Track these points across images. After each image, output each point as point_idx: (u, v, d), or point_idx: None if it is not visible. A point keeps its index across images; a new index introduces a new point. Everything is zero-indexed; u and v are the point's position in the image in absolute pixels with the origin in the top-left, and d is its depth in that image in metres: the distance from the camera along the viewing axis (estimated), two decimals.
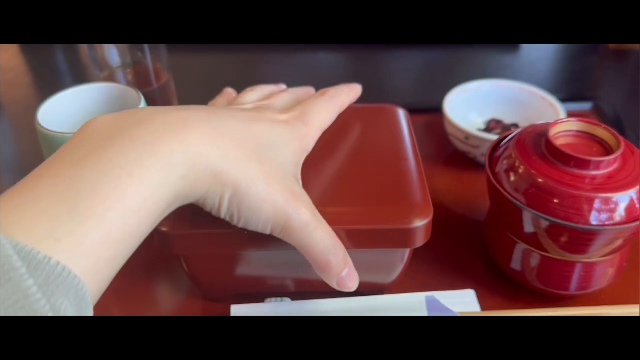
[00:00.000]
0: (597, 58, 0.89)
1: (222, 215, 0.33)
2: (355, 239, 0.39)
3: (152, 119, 0.29)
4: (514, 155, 0.46)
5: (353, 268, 0.37)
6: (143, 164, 0.27)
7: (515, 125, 0.67)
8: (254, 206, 0.32)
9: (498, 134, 0.65)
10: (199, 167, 0.29)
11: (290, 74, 0.85)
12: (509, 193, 0.45)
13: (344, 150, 0.45)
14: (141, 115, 0.30)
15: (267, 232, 0.34)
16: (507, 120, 0.68)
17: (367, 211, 0.39)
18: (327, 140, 0.43)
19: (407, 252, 0.44)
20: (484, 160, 0.62)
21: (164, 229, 0.39)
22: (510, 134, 0.50)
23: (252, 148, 0.33)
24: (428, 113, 0.73)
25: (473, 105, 0.68)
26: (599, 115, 0.73)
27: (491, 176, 0.47)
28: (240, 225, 0.34)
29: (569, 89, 0.82)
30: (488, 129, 0.67)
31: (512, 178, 0.46)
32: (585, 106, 0.75)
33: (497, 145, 0.50)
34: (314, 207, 0.35)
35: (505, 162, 0.47)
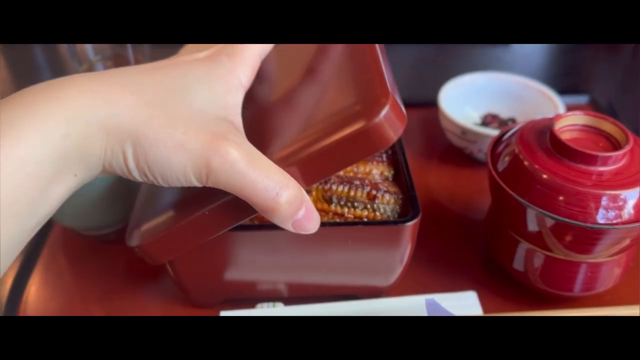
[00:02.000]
0: (590, 50, 0.88)
1: (135, 176, 0.29)
2: (319, 167, 0.33)
3: (41, 84, 0.28)
4: (516, 151, 0.44)
5: (312, 208, 0.33)
6: (17, 123, 0.25)
7: (512, 120, 0.65)
8: (162, 156, 0.28)
9: (495, 128, 0.63)
10: (82, 122, 0.27)
11: None
12: (512, 190, 0.43)
13: (292, 77, 0.37)
14: (42, 83, 0.28)
15: (194, 183, 0.30)
16: (504, 114, 0.65)
17: (322, 128, 0.32)
18: (275, 73, 0.37)
19: (406, 253, 0.42)
20: (481, 156, 0.61)
21: (134, 244, 0.36)
22: (511, 129, 0.48)
23: (154, 94, 0.29)
24: (420, 107, 0.70)
25: (468, 99, 0.65)
26: (596, 108, 0.72)
27: (493, 172, 0.44)
28: (160, 182, 0.30)
29: (563, 82, 0.80)
30: (484, 123, 0.65)
31: (515, 174, 0.44)
32: (582, 99, 0.74)
33: (498, 140, 0.48)
34: (247, 145, 0.30)
35: (507, 158, 0.45)
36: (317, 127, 0.32)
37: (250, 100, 0.35)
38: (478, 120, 0.65)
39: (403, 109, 0.32)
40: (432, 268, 0.49)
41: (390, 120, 0.31)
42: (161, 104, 0.29)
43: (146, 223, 0.36)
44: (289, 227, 0.32)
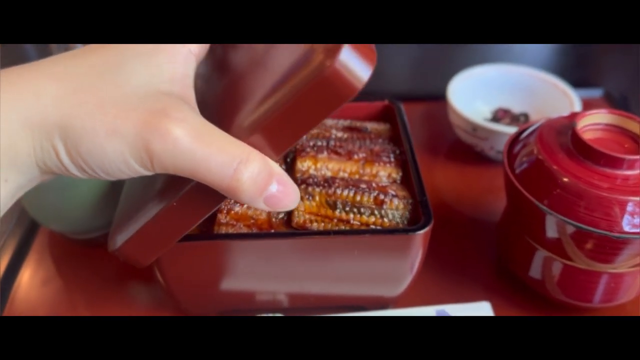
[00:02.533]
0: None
1: (74, 172, 0.27)
2: (285, 130, 0.28)
3: None
4: (535, 151, 0.41)
5: (287, 181, 0.29)
6: None
7: (525, 115, 0.61)
8: (96, 146, 0.25)
9: (507, 124, 0.60)
10: (3, 121, 0.24)
11: None
12: (530, 194, 0.40)
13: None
14: None
15: (140, 171, 0.27)
16: (516, 109, 0.62)
17: (281, 89, 0.27)
18: None
19: (417, 262, 0.39)
20: (493, 153, 0.57)
21: (113, 249, 0.33)
22: (530, 126, 0.45)
23: (84, 78, 0.26)
24: (426, 101, 0.67)
25: (478, 93, 0.62)
26: (611, 103, 0.68)
27: (511, 175, 0.41)
28: (102, 175, 0.27)
29: (574, 73, 0.77)
30: (495, 118, 0.61)
31: (534, 177, 0.40)
32: (595, 93, 0.70)
33: (515, 139, 0.45)
34: (194, 120, 0.26)
35: (525, 158, 0.42)
36: (276, 90, 0.28)
37: (221, 70, 0.31)
38: (488, 115, 0.62)
39: (368, 46, 0.28)
40: (442, 276, 0.46)
41: (352, 58, 0.26)
42: (91, 88, 0.26)
43: (124, 224, 0.33)
44: (260, 205, 0.28)
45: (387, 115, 0.50)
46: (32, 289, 0.47)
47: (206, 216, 0.31)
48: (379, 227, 0.38)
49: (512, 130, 0.53)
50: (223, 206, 0.39)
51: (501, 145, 0.56)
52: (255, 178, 0.27)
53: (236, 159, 0.26)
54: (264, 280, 0.39)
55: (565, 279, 0.42)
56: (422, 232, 0.37)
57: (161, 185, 0.31)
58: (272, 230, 0.38)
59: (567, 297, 0.43)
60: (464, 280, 0.46)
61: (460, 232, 0.51)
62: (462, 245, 0.50)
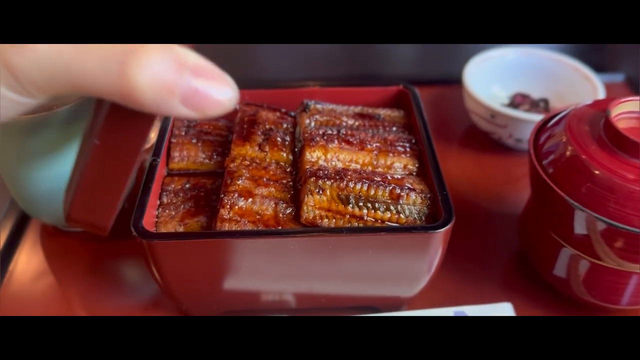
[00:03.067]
0: None
1: None
2: None
3: None
4: (564, 141, 0.38)
5: (211, 69, 0.22)
6: None
7: (545, 101, 0.58)
8: None
9: (526, 110, 0.57)
10: None
11: None
12: (558, 187, 0.37)
13: None
14: None
15: (16, 99, 0.22)
16: (535, 94, 0.59)
17: None
18: None
19: (435, 261, 0.36)
20: (512, 142, 0.54)
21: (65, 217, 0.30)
22: (556, 114, 0.42)
23: None
24: (437, 85, 0.64)
25: (495, 77, 0.59)
26: (633, 88, 0.65)
27: (538, 167, 0.38)
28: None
29: (594, 57, 0.73)
30: (513, 104, 0.58)
31: (563, 169, 0.37)
32: (616, 78, 0.67)
33: (541, 128, 0.41)
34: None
35: (553, 149, 0.39)
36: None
37: None
38: (506, 100, 0.59)
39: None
40: (460, 275, 0.43)
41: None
42: None
43: (68, 190, 0.29)
44: (179, 110, 0.21)
45: (400, 102, 0.46)
46: (23, 286, 0.44)
47: (141, 149, 0.26)
48: (395, 225, 0.35)
49: (534, 117, 0.50)
50: (226, 201, 0.36)
51: (520, 133, 0.52)
52: (155, 70, 0.20)
53: (120, 51, 0.20)
54: (270, 280, 0.36)
55: (592, 278, 0.39)
56: (442, 230, 0.34)
57: (85, 131, 0.27)
58: (279, 227, 0.35)
59: (593, 298, 0.40)
60: (483, 279, 0.43)
61: (477, 226, 0.48)
62: (480, 241, 0.47)
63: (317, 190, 0.36)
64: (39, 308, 0.42)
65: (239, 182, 0.37)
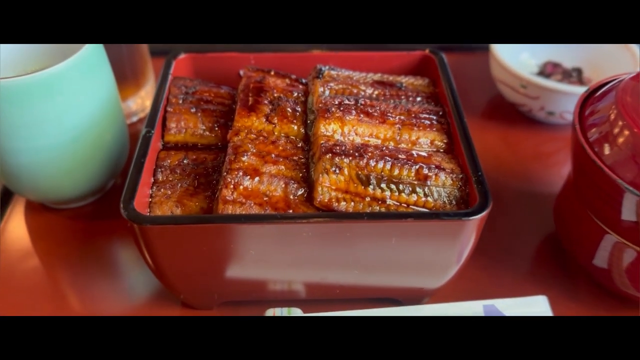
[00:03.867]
0: None
1: None
2: None
3: None
4: (614, 115, 0.33)
5: None
6: None
7: (578, 70, 0.53)
8: None
9: (558, 80, 0.52)
10: None
11: None
12: (607, 166, 0.32)
13: None
14: None
15: None
16: (567, 63, 0.54)
17: None
18: None
19: (467, 249, 0.32)
20: (543, 115, 0.49)
21: None
22: (603, 85, 0.37)
23: None
24: (460, 51, 0.59)
25: (524, 44, 0.53)
26: None
27: (584, 144, 0.34)
28: None
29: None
30: (543, 73, 0.53)
31: (612, 147, 0.33)
32: None
33: (586, 100, 0.37)
34: None
35: (601, 124, 0.34)
36: None
37: None
38: (535, 69, 0.54)
39: None
40: (487, 262, 0.39)
41: None
42: None
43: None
44: None
45: (424, 69, 0.42)
46: (5, 270, 0.40)
47: None
48: (423, 210, 0.31)
49: (571, 89, 0.45)
50: (229, 179, 0.31)
51: (553, 105, 0.48)
52: None
53: None
54: (279, 269, 0.32)
55: (636, 269, 0.35)
56: (478, 217, 0.29)
57: None
58: (290, 211, 0.31)
59: (636, 290, 0.36)
60: (513, 267, 0.39)
61: (504, 208, 0.43)
62: (508, 225, 0.42)
63: (333, 168, 0.31)
64: (22, 295, 0.38)
65: (244, 158, 0.32)
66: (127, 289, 0.39)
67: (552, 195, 0.43)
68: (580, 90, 0.45)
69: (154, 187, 0.33)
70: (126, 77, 0.49)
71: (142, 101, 0.51)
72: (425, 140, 0.35)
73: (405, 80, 0.39)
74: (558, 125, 0.51)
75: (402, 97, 0.38)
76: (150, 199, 0.33)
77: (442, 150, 0.35)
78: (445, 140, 0.35)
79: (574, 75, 0.53)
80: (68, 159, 0.38)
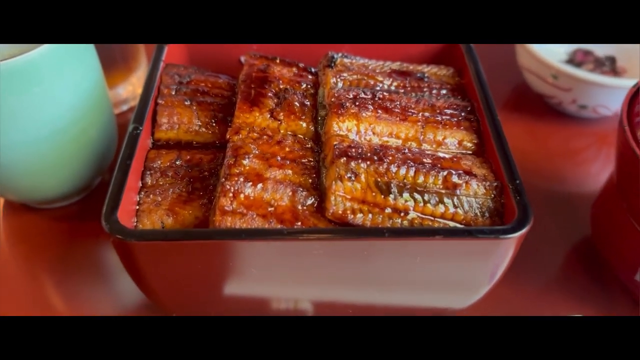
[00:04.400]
0: None
1: None
2: None
3: None
4: None
5: None
6: None
7: (611, 59, 0.48)
8: None
9: (590, 70, 0.47)
10: None
11: None
12: None
13: None
14: None
15: None
16: (599, 51, 0.49)
17: None
18: None
19: (501, 268, 0.28)
20: (574, 108, 0.45)
21: None
22: None
23: None
24: None
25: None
26: None
27: (633, 144, 0.29)
28: None
29: None
30: (573, 61, 0.48)
31: None
32: None
33: (635, 94, 0.32)
34: None
35: None
36: None
37: None
38: (564, 56, 0.49)
39: None
40: (513, 275, 0.35)
41: None
42: None
43: None
44: None
45: (447, 57, 0.37)
46: None
47: None
48: (453, 225, 0.27)
49: (610, 81, 0.41)
50: (228, 187, 0.27)
51: (587, 98, 0.43)
52: None
53: None
54: (284, 287, 0.28)
55: None
56: (517, 235, 0.25)
57: None
58: (298, 224, 0.27)
59: None
60: (548, 285, 0.35)
61: (537, 213, 0.39)
62: (537, 229, 0.38)
63: (348, 175, 0.27)
64: (1, 305, 0.34)
65: (246, 161, 0.28)
66: (116, 295, 0.35)
67: (582, 196, 0.39)
68: (618, 82, 0.41)
69: (142, 193, 0.29)
70: (115, 61, 0.44)
71: (133, 88, 0.46)
72: (453, 141, 0.30)
73: (428, 69, 0.35)
74: (589, 119, 0.46)
75: (425, 89, 0.33)
76: (137, 206, 0.29)
77: (471, 153, 0.30)
78: (475, 141, 0.31)
79: (607, 64, 0.48)
80: (48, 155, 0.34)
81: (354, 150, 0.28)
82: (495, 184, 0.28)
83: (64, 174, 0.36)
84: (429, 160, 0.28)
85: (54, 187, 0.37)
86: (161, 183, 0.29)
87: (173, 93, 0.33)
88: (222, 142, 0.32)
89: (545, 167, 0.44)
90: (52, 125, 0.33)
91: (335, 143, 0.28)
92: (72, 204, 0.40)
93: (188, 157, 0.31)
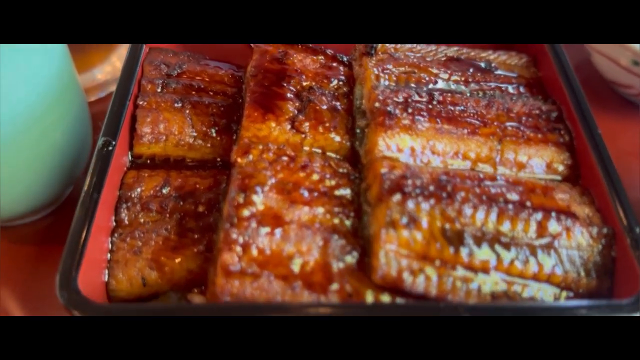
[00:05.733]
0: None
1: None
2: None
3: None
4: None
5: None
6: None
7: None
8: None
9: None
10: None
11: None
12: None
13: None
14: None
15: None
16: None
17: None
18: None
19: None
20: None
21: None
22: None
23: None
24: None
25: None
26: None
27: None
28: None
29: None
30: None
31: None
32: None
33: None
34: None
35: None
36: None
37: None
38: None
39: None
40: None
41: None
42: None
43: None
44: None
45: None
46: None
47: None
48: (554, 302, 0.19)
49: None
50: (235, 236, 0.19)
51: None
52: None
53: None
54: None
55: None
56: None
57: None
58: (334, 288, 0.19)
59: None
60: None
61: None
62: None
63: (404, 220, 0.19)
64: None
65: (259, 197, 0.20)
66: None
67: None
68: None
69: (116, 235, 0.21)
70: None
71: (113, 69, 0.38)
72: (539, 162, 0.22)
73: (495, 57, 0.27)
74: None
75: (493, 84, 0.25)
76: (109, 255, 0.21)
77: (560, 178, 0.22)
78: (567, 162, 0.23)
79: None
80: (14, 164, 0.27)
81: (410, 182, 0.20)
82: (605, 230, 0.20)
83: (24, 186, 0.29)
84: (514, 196, 0.20)
85: (11, 203, 0.29)
86: (142, 221, 0.21)
87: (158, 90, 0.24)
88: (224, 159, 0.23)
89: (621, 171, 0.36)
90: (2, 128, 0.25)
91: (383, 171, 0.20)
92: (37, 220, 0.32)
93: (179, 181, 0.22)
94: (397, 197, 0.19)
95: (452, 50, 0.27)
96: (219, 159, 0.24)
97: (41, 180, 0.30)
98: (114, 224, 0.22)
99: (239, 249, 0.19)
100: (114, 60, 0.38)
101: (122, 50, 0.39)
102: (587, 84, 0.41)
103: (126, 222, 0.22)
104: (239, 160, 0.21)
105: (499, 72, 0.26)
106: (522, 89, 0.25)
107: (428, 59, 0.26)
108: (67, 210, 0.34)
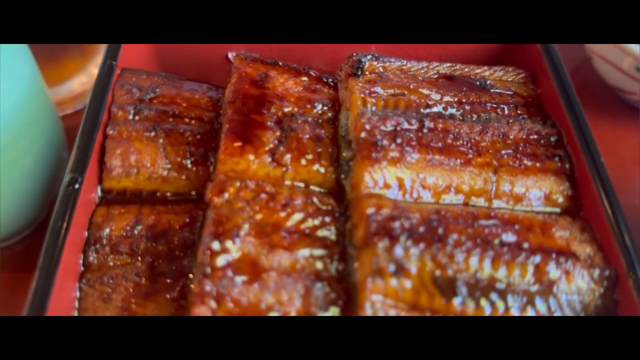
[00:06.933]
0: None
1: None
2: None
3: None
4: None
5: None
6: None
7: None
8: None
9: None
10: None
11: None
12: None
13: None
14: None
15: None
16: None
17: None
18: None
19: None
20: None
21: None
22: None
23: None
24: None
25: None
26: None
27: None
28: None
29: None
30: None
31: None
32: None
33: None
34: None
35: None
36: None
37: None
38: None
39: None
40: None
41: None
42: None
43: None
44: None
45: (512, 58, 0.27)
46: None
47: None
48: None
49: None
50: (208, 288, 0.17)
51: None
52: None
53: None
54: None
55: None
56: None
57: None
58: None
59: None
60: None
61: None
62: None
63: (391, 267, 0.18)
64: None
65: (235, 244, 0.18)
66: None
67: None
68: None
69: (84, 280, 0.20)
70: (64, 46, 0.34)
71: (89, 79, 0.36)
72: (537, 194, 0.21)
73: (490, 73, 0.25)
74: None
75: (489, 104, 0.23)
76: (77, 302, 0.19)
77: (560, 210, 0.21)
78: (567, 192, 0.21)
79: None
80: None
81: (398, 224, 0.18)
82: (607, 272, 0.19)
83: (12, 206, 0.27)
84: (510, 237, 0.19)
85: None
86: (112, 264, 0.20)
87: (130, 117, 0.23)
88: (200, 192, 0.22)
89: (615, 176, 0.35)
90: None
91: (369, 211, 0.19)
92: (11, 245, 0.31)
93: (152, 218, 0.21)
94: (384, 242, 0.18)
95: (445, 67, 0.25)
96: (194, 192, 0.22)
97: (13, 206, 0.28)
98: (82, 268, 0.20)
99: (212, 303, 0.17)
100: (91, 70, 0.37)
101: (99, 59, 0.37)
102: (587, 88, 0.40)
103: (95, 265, 0.20)
104: (214, 199, 0.19)
105: (494, 90, 0.24)
106: (519, 110, 0.24)
107: (420, 77, 0.24)
108: (43, 233, 0.33)
